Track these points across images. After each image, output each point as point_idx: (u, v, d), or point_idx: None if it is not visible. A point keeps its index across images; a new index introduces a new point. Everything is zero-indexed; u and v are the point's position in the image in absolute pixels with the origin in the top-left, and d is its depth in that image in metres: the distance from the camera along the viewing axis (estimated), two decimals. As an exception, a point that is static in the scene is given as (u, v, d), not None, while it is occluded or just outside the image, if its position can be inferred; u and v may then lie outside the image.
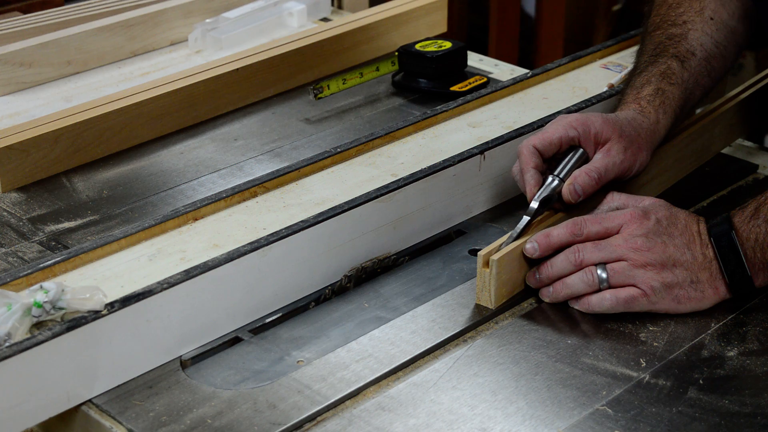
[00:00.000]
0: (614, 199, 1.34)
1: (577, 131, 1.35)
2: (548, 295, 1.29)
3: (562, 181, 1.34)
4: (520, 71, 1.89)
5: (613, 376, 1.19)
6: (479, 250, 1.30)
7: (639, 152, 1.37)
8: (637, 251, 1.26)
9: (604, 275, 1.26)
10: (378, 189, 1.38)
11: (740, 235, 1.26)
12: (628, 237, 1.27)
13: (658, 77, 1.45)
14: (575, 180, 1.33)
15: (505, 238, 1.30)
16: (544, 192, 1.34)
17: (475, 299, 1.30)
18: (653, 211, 1.29)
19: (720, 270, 1.27)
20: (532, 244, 1.29)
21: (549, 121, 1.40)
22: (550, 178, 1.35)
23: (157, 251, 1.29)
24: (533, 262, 1.31)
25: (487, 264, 1.27)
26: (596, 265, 1.27)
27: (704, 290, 1.27)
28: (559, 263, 1.28)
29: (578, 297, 1.28)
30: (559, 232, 1.29)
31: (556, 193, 1.34)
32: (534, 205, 1.33)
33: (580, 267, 1.27)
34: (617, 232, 1.28)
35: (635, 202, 1.32)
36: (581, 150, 1.36)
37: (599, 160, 1.35)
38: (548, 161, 1.38)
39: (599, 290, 1.27)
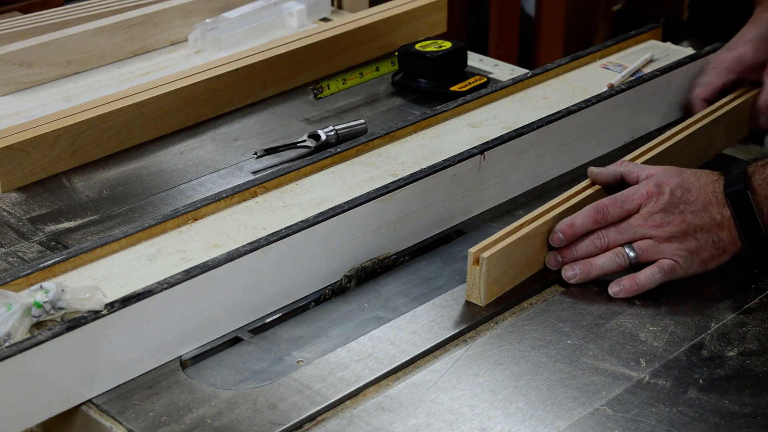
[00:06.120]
0: (623, 164, 1.38)
1: (735, 72, 1.49)
2: (575, 276, 1.32)
3: None
4: (520, 71, 1.89)
5: (613, 376, 1.19)
6: (479, 250, 1.30)
7: None
8: (658, 228, 1.30)
9: (632, 254, 1.31)
10: (378, 189, 1.38)
11: (757, 193, 1.29)
12: (647, 216, 1.31)
13: None
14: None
15: (498, 234, 1.30)
16: None
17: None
18: (665, 182, 1.32)
19: (737, 227, 1.31)
20: (557, 235, 1.32)
21: (550, 120, 1.41)
22: None
23: (157, 251, 1.29)
24: (527, 258, 1.32)
25: (477, 262, 1.27)
26: (622, 245, 1.31)
27: (725, 247, 1.32)
28: (583, 248, 1.33)
29: (617, 280, 1.30)
30: (584, 221, 1.32)
31: None
32: None
33: (605, 250, 1.32)
34: (637, 212, 1.32)
35: (641, 171, 1.36)
36: None
37: None
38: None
39: (629, 268, 1.31)
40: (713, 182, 1.33)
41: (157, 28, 1.94)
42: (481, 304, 1.29)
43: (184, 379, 1.20)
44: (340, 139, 1.64)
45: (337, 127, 1.65)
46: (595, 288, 1.33)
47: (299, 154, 1.63)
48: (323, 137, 1.63)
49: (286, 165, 1.46)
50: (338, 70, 1.88)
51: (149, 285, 1.19)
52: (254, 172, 1.59)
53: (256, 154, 1.59)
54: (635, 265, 1.31)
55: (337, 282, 1.36)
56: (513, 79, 1.71)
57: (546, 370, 1.20)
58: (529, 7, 3.54)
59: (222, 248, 1.28)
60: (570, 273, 1.32)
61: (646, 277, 1.30)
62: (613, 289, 1.31)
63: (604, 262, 1.32)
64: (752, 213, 1.29)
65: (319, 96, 1.80)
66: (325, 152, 1.48)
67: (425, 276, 1.37)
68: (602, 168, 1.39)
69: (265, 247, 1.27)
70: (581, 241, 1.33)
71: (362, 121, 1.67)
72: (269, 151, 1.60)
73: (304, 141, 1.62)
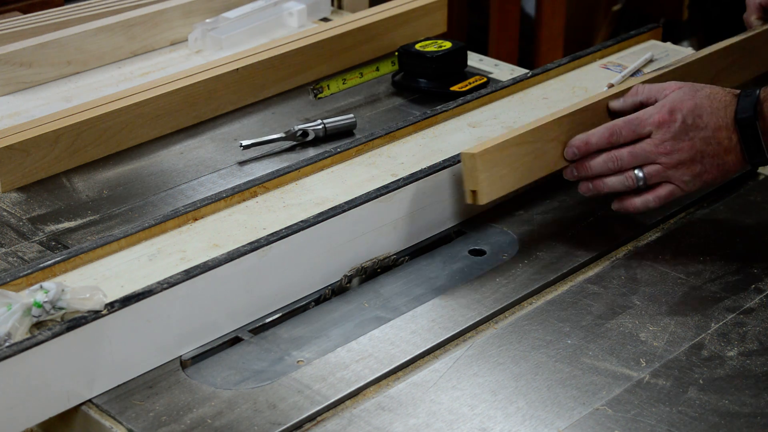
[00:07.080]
0: (639, 92, 1.42)
1: None
2: (588, 190, 1.41)
3: None
4: (520, 71, 1.89)
5: (613, 376, 1.19)
6: (480, 250, 1.29)
7: None
8: (668, 155, 1.36)
9: (641, 174, 1.38)
10: (378, 189, 1.38)
11: (766, 119, 1.33)
12: (659, 142, 1.36)
13: None
14: None
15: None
16: None
17: (474, 299, 1.30)
18: (678, 107, 1.36)
19: (743, 152, 1.36)
20: (572, 150, 1.40)
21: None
22: None
23: (157, 251, 1.29)
24: (523, 161, 1.38)
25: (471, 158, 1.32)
26: (633, 168, 1.38)
27: (729, 169, 1.37)
28: (598, 166, 1.40)
29: (619, 199, 1.41)
30: (598, 140, 1.39)
31: None
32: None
33: (617, 171, 1.39)
34: (648, 135, 1.37)
35: (658, 93, 1.40)
36: None
37: None
38: None
39: (637, 190, 1.39)
40: (725, 107, 1.36)
41: (157, 28, 1.94)
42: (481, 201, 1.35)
43: (184, 379, 1.20)
44: (328, 132, 1.65)
45: (325, 121, 1.66)
46: (595, 288, 1.34)
47: (290, 145, 1.65)
48: (310, 134, 1.65)
49: (286, 165, 1.46)
50: (338, 70, 1.88)
51: (149, 285, 1.19)
52: (240, 163, 1.60)
53: (241, 145, 1.61)
54: (643, 188, 1.38)
55: (337, 282, 1.36)
56: (513, 79, 1.71)
57: (546, 370, 1.20)
58: (529, 7, 3.54)
59: (222, 248, 1.28)
60: (584, 188, 1.41)
61: (642, 202, 1.39)
62: (614, 205, 1.41)
63: (614, 183, 1.39)
64: (758, 140, 1.34)
65: (319, 96, 1.80)
66: (325, 152, 1.48)
67: (425, 276, 1.37)
68: (621, 100, 1.44)
69: (265, 247, 1.27)
70: (596, 158, 1.40)
71: (351, 116, 1.68)
72: (255, 144, 1.62)
73: (291, 131, 1.65)
